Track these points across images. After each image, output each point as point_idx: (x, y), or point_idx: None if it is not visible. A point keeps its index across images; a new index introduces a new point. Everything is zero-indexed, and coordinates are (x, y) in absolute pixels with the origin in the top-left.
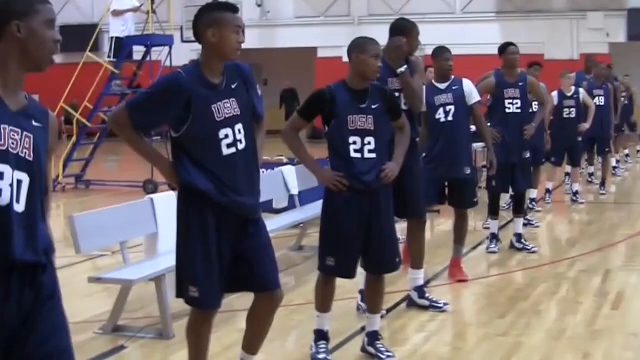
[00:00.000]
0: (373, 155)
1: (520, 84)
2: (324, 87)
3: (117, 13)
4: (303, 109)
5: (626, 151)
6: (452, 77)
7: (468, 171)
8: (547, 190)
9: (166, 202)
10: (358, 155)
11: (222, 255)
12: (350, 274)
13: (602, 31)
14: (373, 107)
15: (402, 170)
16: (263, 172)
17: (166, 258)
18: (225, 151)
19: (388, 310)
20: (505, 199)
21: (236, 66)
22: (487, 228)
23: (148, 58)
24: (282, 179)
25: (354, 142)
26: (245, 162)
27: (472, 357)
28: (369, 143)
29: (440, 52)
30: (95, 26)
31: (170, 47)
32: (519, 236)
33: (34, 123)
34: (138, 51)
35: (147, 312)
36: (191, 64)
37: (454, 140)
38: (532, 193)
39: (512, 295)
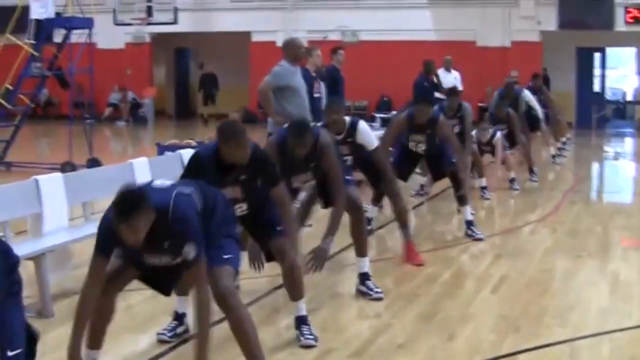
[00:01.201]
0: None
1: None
2: None
3: None
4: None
5: (563, 139)
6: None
7: None
8: (512, 180)
9: (52, 183)
10: None
11: None
12: None
13: (533, 19)
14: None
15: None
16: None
17: (48, 238)
18: None
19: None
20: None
21: None
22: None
23: (68, 41)
24: (181, 162)
25: None
26: None
27: (339, 339)
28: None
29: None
30: (22, 8)
31: (91, 30)
32: (468, 223)
33: None
34: (61, 34)
35: (30, 292)
36: None
37: None
38: (482, 182)
39: (397, 278)
